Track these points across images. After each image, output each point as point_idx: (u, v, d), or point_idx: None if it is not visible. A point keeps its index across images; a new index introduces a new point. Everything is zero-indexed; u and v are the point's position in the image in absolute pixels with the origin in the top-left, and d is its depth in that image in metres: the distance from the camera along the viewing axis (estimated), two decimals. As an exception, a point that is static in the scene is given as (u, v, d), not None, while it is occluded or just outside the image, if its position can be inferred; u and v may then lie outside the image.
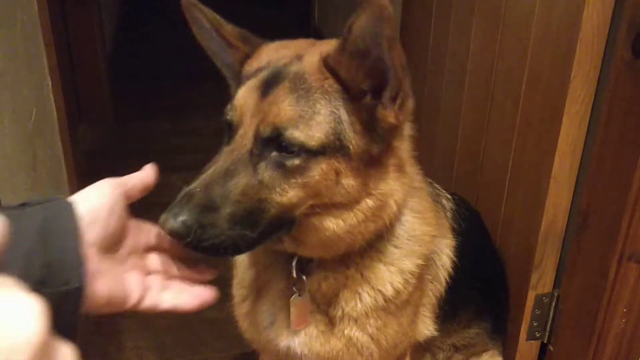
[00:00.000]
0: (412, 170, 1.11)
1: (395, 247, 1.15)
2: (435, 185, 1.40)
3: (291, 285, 1.14)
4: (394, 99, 0.97)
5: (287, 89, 0.95)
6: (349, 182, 0.98)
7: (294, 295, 1.13)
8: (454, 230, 1.33)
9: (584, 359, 1.47)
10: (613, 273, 1.34)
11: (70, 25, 3.13)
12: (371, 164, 1.00)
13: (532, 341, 1.70)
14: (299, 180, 0.94)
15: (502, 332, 1.70)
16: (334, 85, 0.96)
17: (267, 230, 0.95)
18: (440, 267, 1.30)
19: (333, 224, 1.01)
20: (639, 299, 1.34)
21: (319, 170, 0.95)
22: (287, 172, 0.94)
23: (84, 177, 2.40)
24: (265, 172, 0.93)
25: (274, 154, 0.94)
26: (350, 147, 0.96)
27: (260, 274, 1.21)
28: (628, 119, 1.25)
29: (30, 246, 0.67)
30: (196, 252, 0.85)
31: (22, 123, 1.69)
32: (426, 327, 1.33)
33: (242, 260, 1.26)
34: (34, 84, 1.85)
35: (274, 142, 0.93)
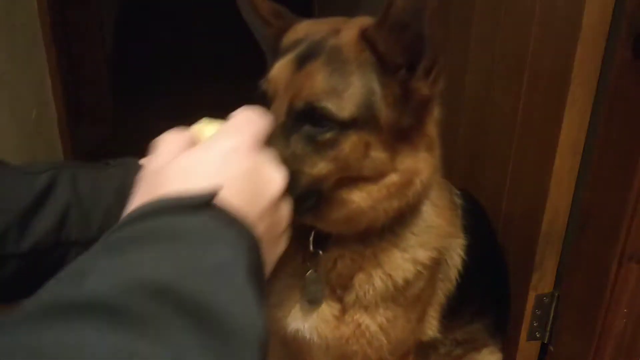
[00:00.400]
0: (439, 153, 1.12)
1: (413, 234, 1.16)
2: (447, 182, 1.40)
3: (306, 260, 1.14)
4: (428, 72, 0.99)
5: (322, 63, 0.97)
6: (378, 155, 0.99)
7: (309, 272, 1.14)
8: (465, 228, 1.33)
9: (584, 359, 1.47)
10: (614, 273, 1.34)
11: (70, 25, 3.13)
12: (401, 139, 1.02)
13: (532, 341, 1.70)
14: (330, 154, 0.96)
15: (503, 329, 1.70)
16: (370, 58, 0.98)
17: (296, 201, 0.96)
18: (452, 266, 1.31)
19: (358, 197, 1.02)
20: (639, 300, 1.34)
21: (349, 143, 0.96)
22: (319, 146, 0.95)
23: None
24: (298, 145, 0.95)
25: (307, 127, 0.95)
26: (382, 119, 0.98)
27: None
28: (629, 119, 1.25)
29: (109, 203, 0.83)
30: None
31: (22, 123, 1.69)
32: (430, 328, 1.34)
33: None
34: (34, 84, 1.85)
35: (306, 115, 0.95)
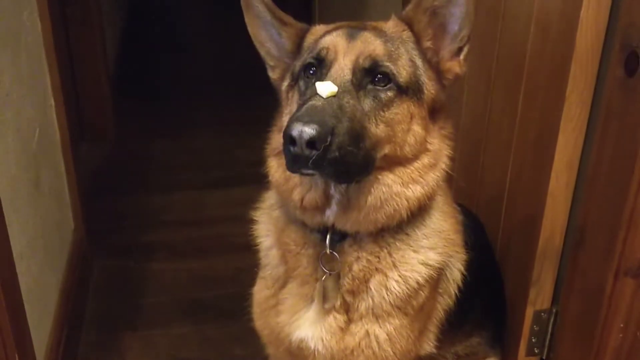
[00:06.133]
0: (451, 145, 1.20)
1: (424, 236, 1.21)
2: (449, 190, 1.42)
3: (320, 264, 1.17)
4: (459, 51, 1.13)
5: (373, 35, 1.10)
6: (417, 129, 1.10)
7: (325, 276, 1.17)
8: (465, 244, 1.35)
9: (582, 374, 1.47)
10: (610, 288, 1.34)
11: (74, 46, 3.16)
12: (433, 118, 1.14)
13: (530, 357, 1.70)
14: (386, 115, 1.06)
15: (502, 341, 1.71)
16: (411, 36, 1.12)
17: (363, 163, 1.03)
18: (452, 281, 1.32)
19: (391, 180, 1.10)
20: (635, 314, 1.35)
21: (402, 108, 1.07)
22: (381, 104, 1.05)
23: (86, 195, 2.41)
24: (365, 100, 1.05)
25: (370, 86, 1.06)
26: (426, 92, 1.11)
27: (288, 261, 1.24)
28: (622, 136, 1.27)
29: None
30: (319, 168, 0.96)
31: (26, 142, 1.71)
32: (428, 342, 1.35)
33: (269, 247, 1.30)
34: (38, 104, 1.88)
35: (370, 74, 1.06)
